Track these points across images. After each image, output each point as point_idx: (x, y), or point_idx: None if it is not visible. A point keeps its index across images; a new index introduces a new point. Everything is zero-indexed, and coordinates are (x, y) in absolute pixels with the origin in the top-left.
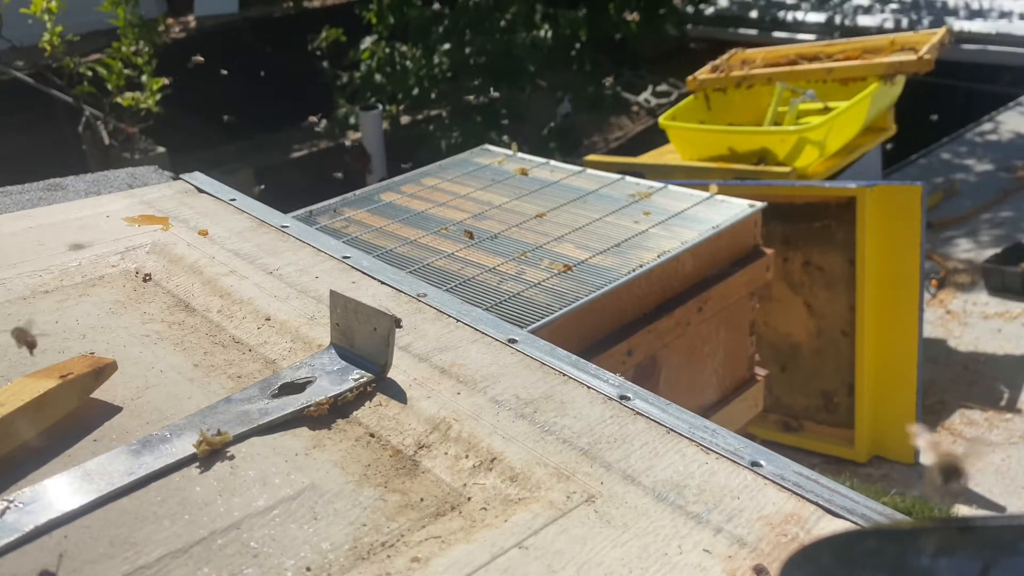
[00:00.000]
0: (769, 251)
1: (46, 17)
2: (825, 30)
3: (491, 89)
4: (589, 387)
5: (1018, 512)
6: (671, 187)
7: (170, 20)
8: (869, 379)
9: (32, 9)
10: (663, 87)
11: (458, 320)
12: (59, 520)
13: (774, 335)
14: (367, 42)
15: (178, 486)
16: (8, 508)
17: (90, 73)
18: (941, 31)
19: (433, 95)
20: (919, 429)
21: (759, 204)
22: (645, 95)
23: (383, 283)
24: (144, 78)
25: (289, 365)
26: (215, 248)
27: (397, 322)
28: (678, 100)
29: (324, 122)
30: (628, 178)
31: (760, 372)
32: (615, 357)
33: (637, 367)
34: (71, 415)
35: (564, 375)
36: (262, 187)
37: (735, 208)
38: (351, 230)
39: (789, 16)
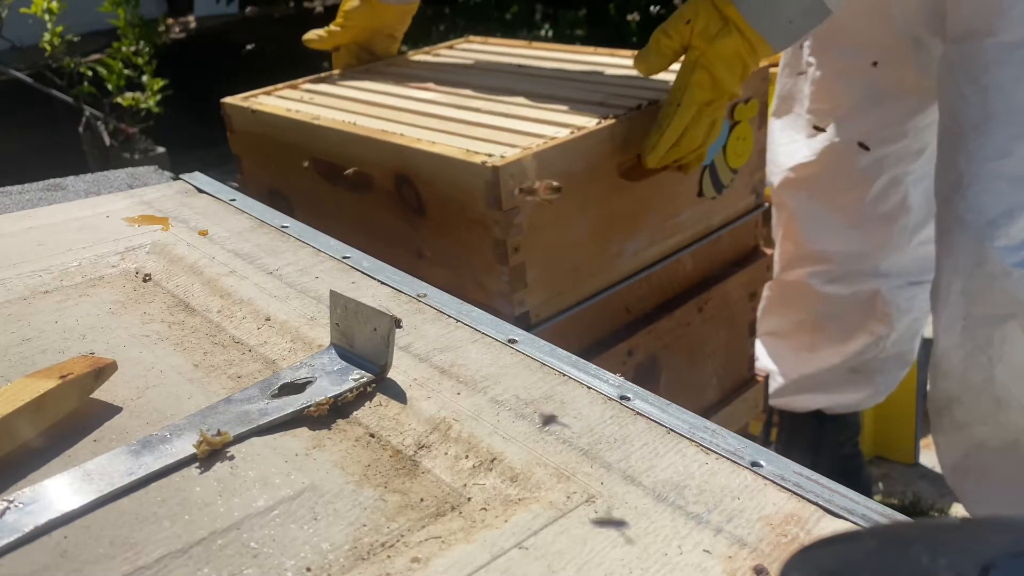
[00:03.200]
0: (769, 251)
1: (46, 17)
2: None
3: None
4: (589, 387)
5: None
6: None
7: (170, 20)
8: None
9: (32, 9)
10: None
11: (458, 320)
12: (59, 520)
13: None
14: None
15: (178, 486)
16: (8, 508)
17: (90, 73)
18: None
19: None
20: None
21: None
22: None
23: (383, 283)
24: (144, 78)
25: (289, 365)
26: (215, 248)
27: (397, 322)
28: None
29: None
30: None
31: (760, 372)
32: (615, 357)
33: (637, 367)
34: (71, 415)
35: (564, 375)
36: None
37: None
38: None
39: None
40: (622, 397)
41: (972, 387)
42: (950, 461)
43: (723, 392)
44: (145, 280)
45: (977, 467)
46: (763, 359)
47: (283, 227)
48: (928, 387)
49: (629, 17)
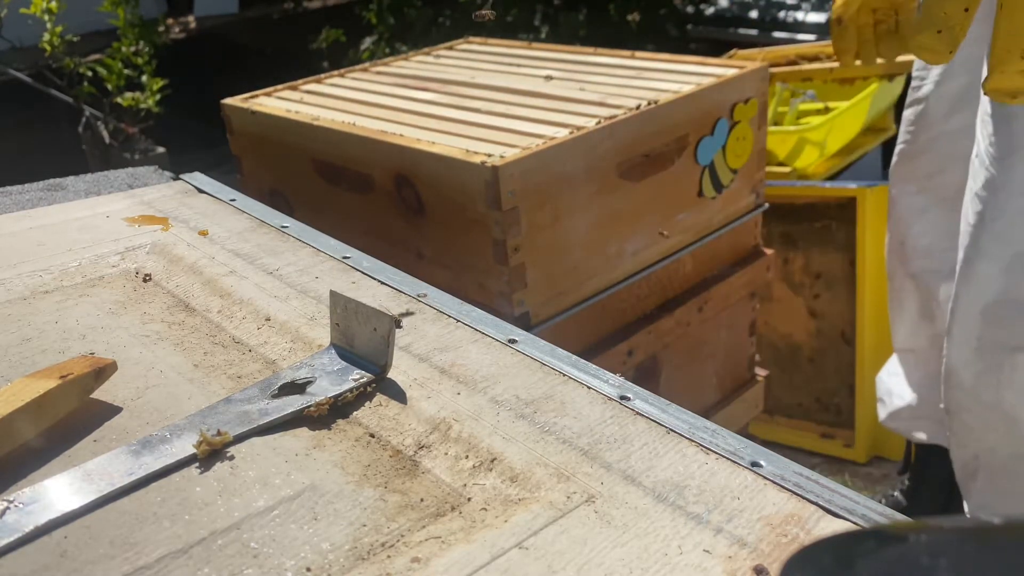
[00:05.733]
0: (769, 251)
1: (46, 17)
2: (825, 30)
3: None
4: (589, 387)
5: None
6: None
7: (170, 20)
8: (869, 379)
9: (32, 9)
10: None
11: (458, 320)
12: (59, 520)
13: (774, 335)
14: (367, 42)
15: (178, 486)
16: (8, 508)
17: (90, 73)
18: None
19: None
20: None
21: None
22: None
23: (383, 283)
24: (144, 78)
25: (289, 365)
26: (215, 248)
27: (397, 322)
28: None
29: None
30: None
31: (760, 372)
32: (615, 357)
33: (637, 367)
34: (71, 415)
35: (564, 375)
36: None
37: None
38: None
39: (789, 16)
40: (622, 397)
41: (982, 402)
42: (961, 459)
43: (723, 392)
44: (145, 280)
45: (986, 469)
46: (892, 379)
47: (283, 227)
48: (942, 390)
49: (629, 17)
